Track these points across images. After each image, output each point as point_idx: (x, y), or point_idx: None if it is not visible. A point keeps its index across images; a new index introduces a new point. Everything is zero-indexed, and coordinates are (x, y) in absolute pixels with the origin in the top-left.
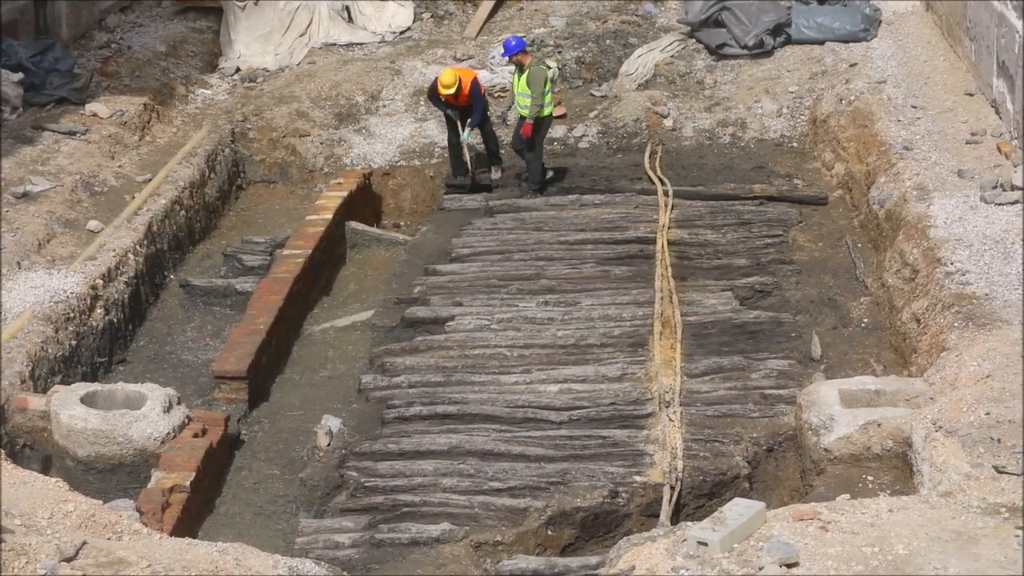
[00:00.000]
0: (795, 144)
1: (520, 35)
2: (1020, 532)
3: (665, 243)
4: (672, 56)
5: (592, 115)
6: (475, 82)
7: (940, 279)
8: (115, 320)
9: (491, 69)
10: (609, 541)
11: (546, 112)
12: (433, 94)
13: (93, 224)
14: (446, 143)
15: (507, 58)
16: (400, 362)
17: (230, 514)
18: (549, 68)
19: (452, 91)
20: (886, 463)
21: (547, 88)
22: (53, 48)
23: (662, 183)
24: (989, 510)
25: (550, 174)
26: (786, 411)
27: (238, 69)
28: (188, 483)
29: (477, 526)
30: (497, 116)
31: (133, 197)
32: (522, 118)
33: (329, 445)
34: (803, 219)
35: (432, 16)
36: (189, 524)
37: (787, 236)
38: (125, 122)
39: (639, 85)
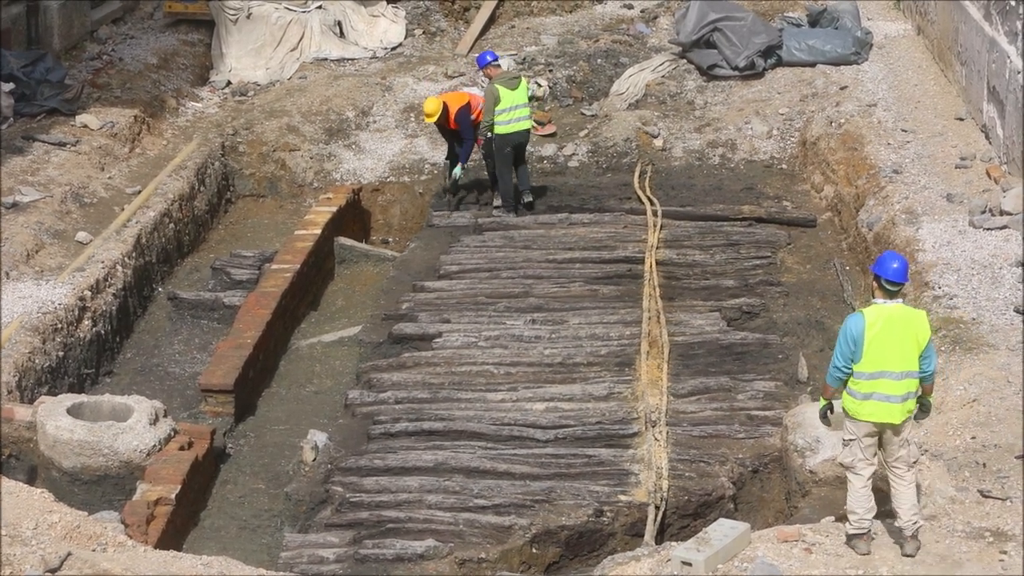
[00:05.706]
0: (784, 166)
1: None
2: (1004, 556)
3: (653, 263)
4: (663, 76)
5: (582, 134)
6: (465, 109)
7: (928, 303)
8: (102, 332)
9: (482, 86)
10: (593, 560)
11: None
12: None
13: (82, 235)
14: (436, 160)
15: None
16: (387, 378)
17: (215, 527)
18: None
19: (433, 121)
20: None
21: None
22: (44, 59)
23: (651, 203)
24: (974, 534)
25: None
26: (772, 432)
27: (229, 83)
28: (173, 496)
29: (462, 543)
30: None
31: (122, 209)
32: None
33: (315, 460)
34: (791, 241)
35: (424, 32)
36: (174, 537)
37: (775, 258)
38: (115, 134)
39: (630, 105)
